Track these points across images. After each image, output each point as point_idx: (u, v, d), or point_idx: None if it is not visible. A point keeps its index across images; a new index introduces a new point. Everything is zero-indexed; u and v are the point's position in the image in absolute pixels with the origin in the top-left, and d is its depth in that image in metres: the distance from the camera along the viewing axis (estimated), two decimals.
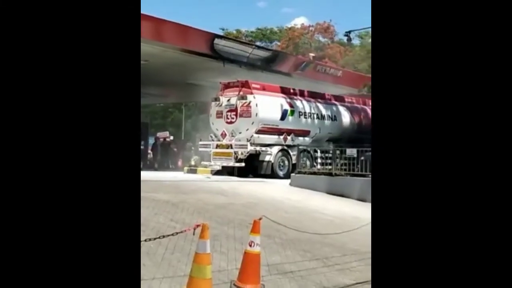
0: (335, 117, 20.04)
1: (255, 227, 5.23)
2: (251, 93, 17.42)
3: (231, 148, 17.19)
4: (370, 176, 13.18)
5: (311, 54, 28.84)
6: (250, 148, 16.99)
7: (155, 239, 4.95)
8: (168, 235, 4.94)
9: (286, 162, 17.64)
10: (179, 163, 23.60)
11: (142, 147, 25.17)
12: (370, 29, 36.71)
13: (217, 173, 18.09)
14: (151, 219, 7.43)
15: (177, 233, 4.98)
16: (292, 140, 18.01)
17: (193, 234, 4.70)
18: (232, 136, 17.40)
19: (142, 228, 6.40)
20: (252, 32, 49.80)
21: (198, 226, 4.60)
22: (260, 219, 5.32)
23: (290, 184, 14.55)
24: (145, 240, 4.65)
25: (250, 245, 5.15)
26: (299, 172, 15.15)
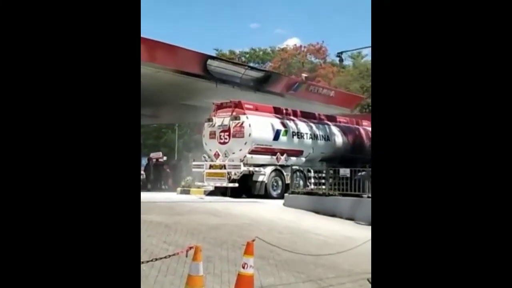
0: (328, 137, 20.10)
1: (248, 249, 5.20)
2: (244, 114, 17.47)
3: (224, 168, 17.16)
4: (364, 196, 13.20)
5: (304, 75, 29.03)
6: (243, 168, 16.96)
7: (148, 261, 4.91)
8: (161, 258, 4.91)
9: (280, 182, 17.60)
10: (172, 183, 23.50)
11: None
12: (361, 50, 37.17)
13: (210, 193, 18.02)
14: (144, 241, 7.36)
15: (170, 255, 4.95)
16: (286, 160, 18.01)
17: (186, 256, 4.67)
18: (225, 156, 17.39)
19: None
20: (245, 52, 50.16)
21: (191, 248, 4.58)
22: (253, 240, 5.31)
23: (284, 205, 14.52)
24: None
25: (244, 267, 5.12)
26: (293, 192, 15.13)
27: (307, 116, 20.05)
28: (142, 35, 16.11)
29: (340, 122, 21.53)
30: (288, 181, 16.89)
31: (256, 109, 18.06)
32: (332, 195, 13.97)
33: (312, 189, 15.79)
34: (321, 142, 19.73)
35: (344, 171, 14.30)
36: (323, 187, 15.38)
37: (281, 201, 15.04)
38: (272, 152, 17.89)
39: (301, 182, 16.96)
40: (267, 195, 16.89)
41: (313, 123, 19.97)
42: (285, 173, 17.46)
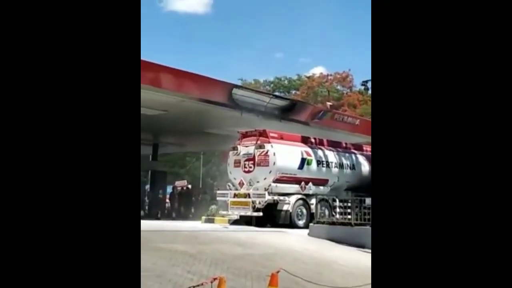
0: (353, 166, 19.92)
1: (272, 281, 5.14)
2: (269, 142, 17.46)
3: (249, 197, 17.08)
4: None
5: (329, 103, 29.03)
6: (268, 197, 16.87)
7: None
8: None
9: (305, 212, 17.43)
10: (197, 212, 23.50)
11: (160, 195, 25.19)
12: None
13: (235, 222, 17.92)
14: (169, 270, 7.34)
15: (194, 286, 4.90)
16: (310, 189, 17.88)
17: (211, 287, 4.63)
18: (250, 185, 17.34)
19: (159, 280, 6.32)
20: (270, 82, 50.49)
21: (215, 279, 4.54)
22: (277, 271, 5.24)
23: (309, 234, 14.33)
24: None
25: None
26: (318, 222, 14.95)
27: (333, 145, 19.94)
28: (170, 65, 16.43)
29: (366, 150, 21.34)
30: (313, 210, 16.72)
31: (281, 138, 18.05)
32: (358, 225, 13.75)
33: (337, 219, 15.59)
34: (346, 171, 19.56)
35: (371, 201, 14.08)
36: (349, 216, 15.17)
37: (306, 231, 14.86)
38: (297, 181, 17.78)
39: (327, 212, 16.78)
40: (292, 225, 16.72)
41: (339, 151, 19.85)
42: (310, 202, 17.31)
